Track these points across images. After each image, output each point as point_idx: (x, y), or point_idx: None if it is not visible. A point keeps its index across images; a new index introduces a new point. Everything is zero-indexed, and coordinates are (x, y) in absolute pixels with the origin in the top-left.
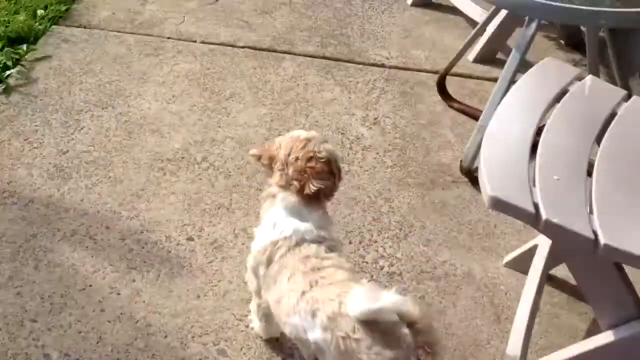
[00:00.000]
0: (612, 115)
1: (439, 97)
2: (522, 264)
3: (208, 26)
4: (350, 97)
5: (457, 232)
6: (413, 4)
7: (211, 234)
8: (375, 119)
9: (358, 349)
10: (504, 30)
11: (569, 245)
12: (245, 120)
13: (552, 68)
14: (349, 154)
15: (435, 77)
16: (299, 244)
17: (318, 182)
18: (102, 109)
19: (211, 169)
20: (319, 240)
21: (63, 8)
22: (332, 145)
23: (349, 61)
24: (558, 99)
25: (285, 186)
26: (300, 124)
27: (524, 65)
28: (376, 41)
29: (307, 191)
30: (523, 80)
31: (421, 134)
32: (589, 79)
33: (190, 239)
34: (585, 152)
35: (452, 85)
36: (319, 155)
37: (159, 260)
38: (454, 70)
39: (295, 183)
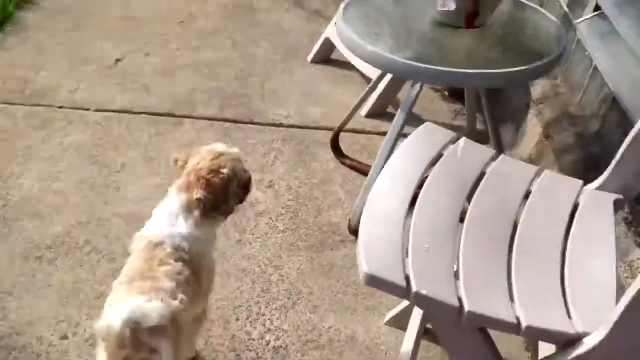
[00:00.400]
0: (482, 175)
1: (332, 155)
2: (402, 321)
3: (104, 92)
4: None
5: (343, 294)
6: (313, 61)
7: (87, 329)
8: (270, 182)
9: None
10: (394, 86)
11: (437, 314)
12: (137, 194)
13: (429, 133)
14: (242, 222)
15: (330, 134)
16: (158, 245)
17: (204, 193)
18: None
19: (94, 253)
20: (176, 249)
21: None
22: (243, 168)
23: (248, 122)
24: (434, 164)
25: (182, 188)
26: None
27: (411, 119)
28: (276, 100)
29: (194, 196)
30: (402, 148)
31: (314, 194)
32: (462, 141)
33: (64, 337)
34: (456, 216)
35: (346, 141)
36: (221, 171)
37: None
38: (348, 126)
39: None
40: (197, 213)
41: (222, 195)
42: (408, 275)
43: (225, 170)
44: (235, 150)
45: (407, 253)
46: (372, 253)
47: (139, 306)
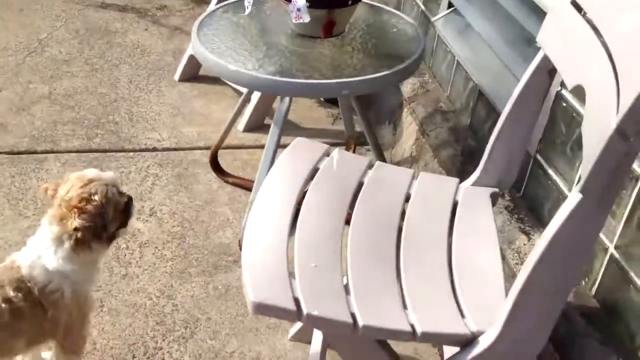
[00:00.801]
0: (360, 185)
1: (214, 174)
2: (306, 334)
3: None
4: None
5: (243, 316)
6: (181, 79)
7: None
8: (152, 209)
9: None
10: (267, 98)
11: (332, 332)
12: (5, 240)
13: (302, 148)
14: (125, 255)
15: (209, 153)
16: (12, 268)
17: (80, 222)
18: None
19: None
20: (27, 279)
21: None
22: (119, 191)
23: (119, 150)
24: (311, 178)
25: (54, 220)
26: None
27: (289, 128)
28: (146, 124)
29: (70, 226)
30: (275, 167)
31: (199, 216)
32: (336, 152)
33: None
34: (339, 229)
35: (226, 158)
36: (93, 198)
37: None
38: (226, 142)
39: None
40: (68, 245)
41: (99, 222)
42: (297, 298)
43: (96, 197)
44: (108, 174)
45: (293, 274)
46: (256, 279)
47: None
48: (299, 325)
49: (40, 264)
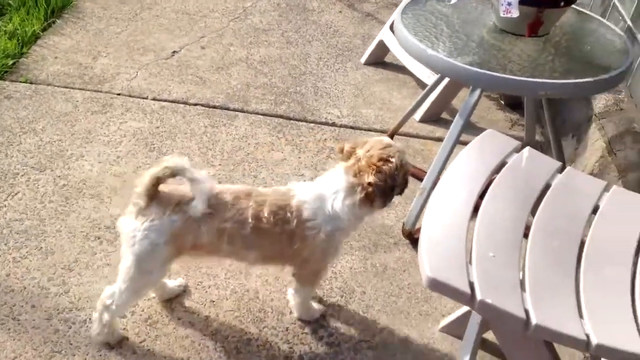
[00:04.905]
0: (547, 187)
1: None
2: (457, 329)
3: (161, 82)
4: (300, 157)
5: (396, 297)
6: (366, 63)
7: (146, 309)
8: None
9: None
10: (449, 92)
11: (502, 324)
12: None
13: (491, 141)
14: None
15: (383, 136)
16: (288, 194)
17: (375, 179)
18: (40, 172)
19: None
20: (294, 210)
21: (10, 62)
22: (407, 161)
23: (301, 120)
24: (497, 171)
25: (351, 172)
26: (249, 185)
27: (467, 126)
28: (329, 99)
29: (366, 180)
30: (463, 153)
31: None
32: (526, 150)
33: (122, 315)
34: (520, 226)
35: (399, 145)
36: (390, 159)
37: (85, 342)
38: (401, 129)
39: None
40: (357, 196)
41: (390, 182)
42: (472, 282)
43: (393, 159)
44: (398, 144)
45: (470, 260)
46: (434, 257)
47: None
48: (452, 317)
49: (318, 203)
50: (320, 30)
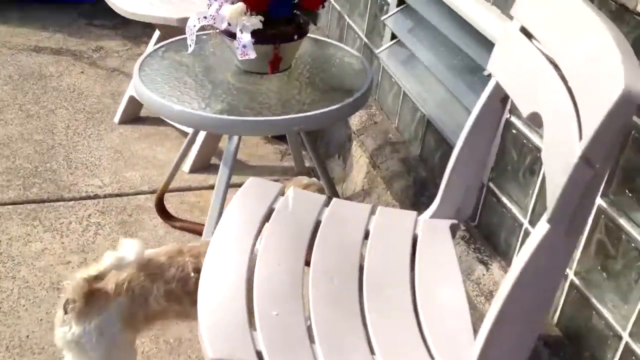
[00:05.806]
0: (318, 224)
1: (160, 219)
2: None
3: None
4: (63, 243)
5: None
6: (121, 122)
7: None
8: (94, 261)
9: None
10: (212, 138)
11: None
12: None
13: (255, 188)
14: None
15: (154, 197)
16: None
17: None
18: None
19: None
20: None
21: None
22: None
23: (58, 200)
24: (267, 219)
25: None
26: (7, 290)
27: (237, 168)
28: (86, 170)
29: None
30: (228, 210)
31: None
32: (291, 191)
33: None
34: (299, 272)
35: (172, 201)
36: None
37: None
38: (172, 185)
39: None
40: None
41: None
42: (259, 351)
43: None
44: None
45: (254, 325)
46: (215, 334)
47: None
48: None
49: None
50: (63, 96)
